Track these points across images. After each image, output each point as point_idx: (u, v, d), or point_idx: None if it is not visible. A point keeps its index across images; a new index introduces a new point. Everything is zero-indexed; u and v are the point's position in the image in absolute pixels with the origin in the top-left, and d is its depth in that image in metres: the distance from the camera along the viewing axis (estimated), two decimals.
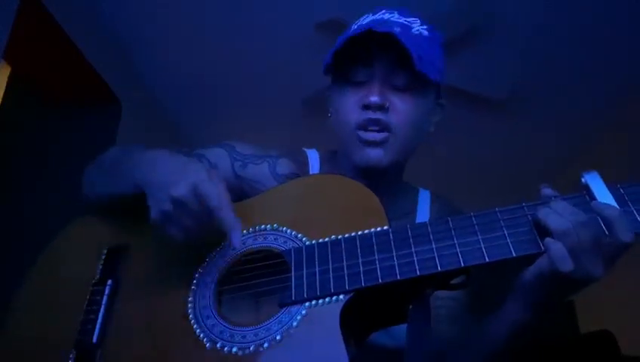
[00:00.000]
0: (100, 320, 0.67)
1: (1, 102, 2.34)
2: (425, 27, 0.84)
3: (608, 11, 2.32)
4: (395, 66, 0.82)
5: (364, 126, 0.81)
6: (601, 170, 0.60)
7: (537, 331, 0.64)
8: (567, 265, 0.54)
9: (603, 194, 0.57)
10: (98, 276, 0.73)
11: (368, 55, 0.83)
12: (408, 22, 0.84)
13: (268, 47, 2.68)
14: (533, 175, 3.41)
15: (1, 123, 2.35)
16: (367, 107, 0.81)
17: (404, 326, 0.63)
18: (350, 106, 0.84)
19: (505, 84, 2.81)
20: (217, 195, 0.63)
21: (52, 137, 2.50)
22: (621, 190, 0.57)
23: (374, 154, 0.81)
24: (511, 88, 2.84)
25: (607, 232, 0.55)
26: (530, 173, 3.49)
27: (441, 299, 0.82)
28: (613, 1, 2.27)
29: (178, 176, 0.64)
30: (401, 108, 0.82)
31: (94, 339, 0.66)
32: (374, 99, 0.80)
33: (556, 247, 0.55)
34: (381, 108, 0.81)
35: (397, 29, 0.79)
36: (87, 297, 0.71)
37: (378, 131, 0.81)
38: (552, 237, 0.56)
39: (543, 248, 0.57)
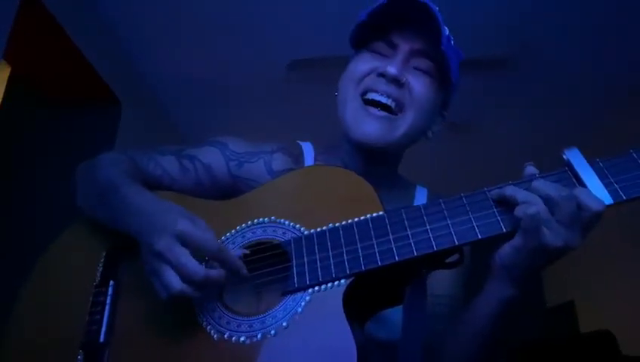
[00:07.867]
0: (105, 320, 0.67)
1: (1, 102, 2.35)
2: (452, 38, 0.84)
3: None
4: (419, 52, 0.80)
5: (372, 89, 0.79)
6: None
7: (523, 307, 0.65)
8: (545, 236, 0.56)
9: (584, 169, 0.60)
10: (99, 278, 0.72)
11: (394, 33, 0.80)
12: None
13: (268, 47, 2.68)
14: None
15: (1, 123, 2.36)
16: (382, 75, 0.78)
17: (398, 320, 0.64)
18: (364, 70, 0.81)
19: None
20: (210, 240, 0.60)
21: (52, 137, 2.51)
22: (600, 163, 0.60)
23: (374, 127, 0.77)
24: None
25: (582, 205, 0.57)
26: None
27: (443, 297, 0.82)
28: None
29: (158, 228, 0.61)
30: (417, 90, 0.79)
31: (102, 339, 0.65)
32: (392, 70, 0.77)
33: (529, 215, 0.56)
34: (396, 82, 0.78)
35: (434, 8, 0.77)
36: (90, 299, 0.70)
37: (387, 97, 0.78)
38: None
39: None
